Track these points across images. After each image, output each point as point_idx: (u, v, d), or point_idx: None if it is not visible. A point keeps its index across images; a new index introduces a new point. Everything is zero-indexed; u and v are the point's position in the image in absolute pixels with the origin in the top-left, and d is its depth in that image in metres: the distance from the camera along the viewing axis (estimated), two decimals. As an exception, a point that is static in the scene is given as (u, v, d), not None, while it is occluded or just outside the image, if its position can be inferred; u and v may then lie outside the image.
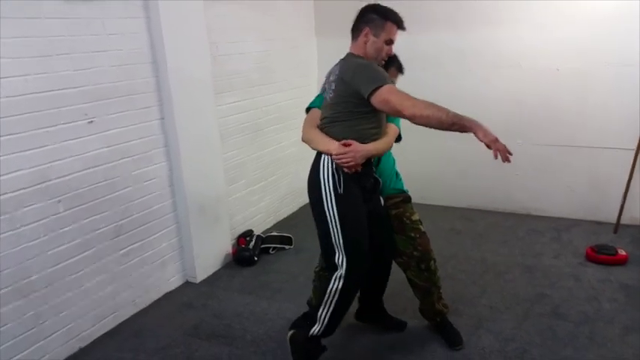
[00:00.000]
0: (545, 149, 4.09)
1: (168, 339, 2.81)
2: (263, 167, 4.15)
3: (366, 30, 2.21)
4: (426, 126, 2.01)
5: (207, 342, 2.77)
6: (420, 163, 4.35)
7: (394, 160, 2.63)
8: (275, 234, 3.94)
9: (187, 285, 3.41)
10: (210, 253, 3.52)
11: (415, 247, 2.49)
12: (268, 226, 4.28)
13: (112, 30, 2.73)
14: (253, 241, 3.78)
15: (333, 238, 2.22)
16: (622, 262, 3.33)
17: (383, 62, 2.30)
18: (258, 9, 3.92)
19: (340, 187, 2.17)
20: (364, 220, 2.24)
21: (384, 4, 2.27)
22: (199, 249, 3.40)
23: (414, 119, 1.99)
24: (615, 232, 3.82)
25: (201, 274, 3.44)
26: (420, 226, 2.52)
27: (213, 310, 3.08)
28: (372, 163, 2.31)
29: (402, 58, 2.52)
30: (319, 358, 2.39)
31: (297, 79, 4.42)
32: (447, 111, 1.96)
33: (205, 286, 3.38)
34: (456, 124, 1.95)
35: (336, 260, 2.23)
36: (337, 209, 2.18)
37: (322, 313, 2.30)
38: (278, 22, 4.18)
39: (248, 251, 3.68)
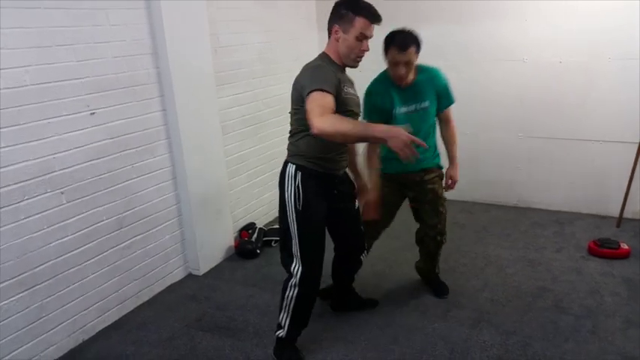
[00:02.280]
0: (547, 142, 4.08)
1: (171, 331, 2.82)
2: (265, 160, 4.14)
3: (336, 27, 2.13)
4: (333, 141, 2.01)
5: (210, 334, 2.78)
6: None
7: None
8: (277, 227, 3.92)
9: (190, 277, 3.42)
10: (212, 246, 3.52)
11: (440, 220, 2.82)
12: (270, 219, 4.28)
13: (114, 21, 2.72)
14: (255, 233, 3.78)
15: (292, 247, 2.29)
16: (624, 255, 3.33)
17: (358, 60, 2.20)
18: (260, 1, 3.90)
19: (299, 203, 2.21)
20: (322, 232, 2.35)
21: None
22: (202, 241, 3.40)
23: (320, 135, 1.87)
24: (618, 225, 3.82)
25: (204, 267, 3.45)
26: (445, 203, 2.85)
27: (216, 303, 3.09)
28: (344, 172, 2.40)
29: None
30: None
31: (298, 71, 4.39)
32: (353, 126, 1.87)
33: (208, 279, 3.39)
34: (364, 137, 1.90)
35: (292, 269, 2.33)
36: (297, 223, 2.24)
37: (283, 318, 2.43)
38: (279, 13, 4.16)
39: (250, 244, 3.68)
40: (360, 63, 2.23)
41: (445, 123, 2.82)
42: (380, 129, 1.84)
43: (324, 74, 2.05)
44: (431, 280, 3.09)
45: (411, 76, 2.58)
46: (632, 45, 3.58)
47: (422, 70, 2.64)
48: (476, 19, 4.04)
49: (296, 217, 2.23)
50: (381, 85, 2.64)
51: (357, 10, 2.08)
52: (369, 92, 2.64)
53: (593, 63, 3.75)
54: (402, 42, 2.43)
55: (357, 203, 2.54)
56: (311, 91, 1.94)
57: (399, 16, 4.26)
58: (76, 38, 2.54)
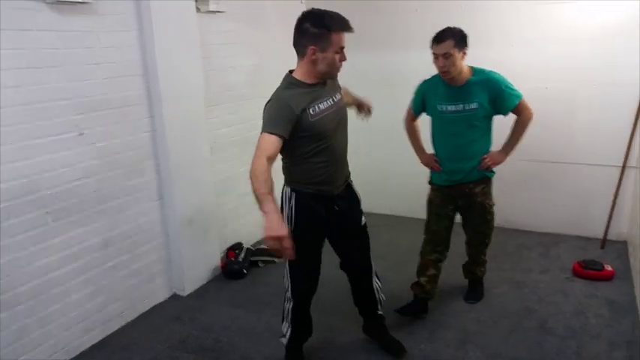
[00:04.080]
0: (533, 165, 4.14)
1: (155, 353, 2.79)
2: (254, 180, 4.15)
3: (311, 49, 2.09)
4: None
5: (194, 356, 2.75)
6: (409, 177, 4.36)
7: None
8: (264, 247, 3.93)
9: (175, 298, 3.39)
10: (198, 266, 3.51)
11: (489, 226, 3.00)
12: (257, 239, 4.27)
13: (105, 43, 2.76)
14: (242, 254, 3.77)
15: (285, 263, 2.41)
16: (608, 277, 3.36)
17: (339, 70, 2.22)
18: (251, 24, 3.97)
19: (291, 224, 2.26)
20: (312, 252, 2.36)
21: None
22: (188, 262, 3.38)
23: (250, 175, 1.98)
24: (602, 247, 3.86)
25: (189, 287, 3.43)
26: (493, 209, 2.97)
27: (201, 324, 3.06)
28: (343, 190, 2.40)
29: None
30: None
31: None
32: (257, 188, 1.94)
33: (193, 300, 3.36)
34: (258, 202, 1.96)
35: (284, 282, 2.45)
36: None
37: (284, 326, 2.55)
38: (270, 36, 4.22)
39: (237, 264, 3.67)
40: None
41: (517, 116, 2.80)
42: (266, 209, 1.90)
43: (274, 112, 2.11)
44: (470, 281, 3.25)
45: (462, 75, 2.63)
46: (616, 71, 3.67)
47: (477, 72, 2.68)
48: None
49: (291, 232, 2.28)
50: (433, 79, 2.79)
51: (330, 25, 2.06)
52: (420, 85, 2.85)
53: (578, 89, 3.84)
54: (439, 35, 2.54)
55: (363, 219, 2.51)
56: (262, 132, 2.08)
57: (381, 41, 4.33)
58: (67, 60, 2.57)
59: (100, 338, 2.90)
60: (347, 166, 2.45)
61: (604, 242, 3.88)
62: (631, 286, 3.25)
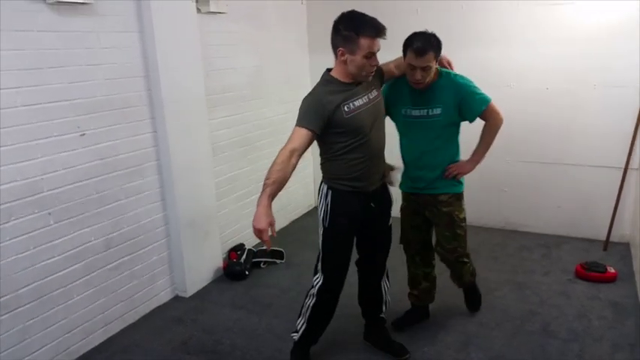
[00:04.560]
0: (534, 167, 4.13)
1: (157, 354, 2.78)
2: (255, 181, 4.14)
3: (341, 50, 2.13)
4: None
5: (195, 357, 2.74)
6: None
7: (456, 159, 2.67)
8: (266, 248, 3.92)
9: (177, 299, 3.39)
10: (200, 267, 3.50)
11: (460, 243, 2.70)
12: (259, 241, 4.26)
13: (106, 44, 2.75)
14: (244, 255, 3.76)
15: (318, 259, 2.44)
16: (611, 279, 3.35)
17: (371, 74, 2.23)
18: (252, 25, 3.96)
19: (326, 221, 2.34)
20: (345, 250, 2.42)
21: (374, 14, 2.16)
22: (190, 263, 3.38)
23: None
24: (605, 249, 3.85)
25: (191, 289, 3.42)
26: (464, 224, 2.70)
27: (202, 325, 3.06)
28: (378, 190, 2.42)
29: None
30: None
31: (288, 94, 4.45)
32: (269, 177, 2.05)
33: (195, 301, 3.36)
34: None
35: (314, 279, 2.46)
36: (322, 238, 2.39)
37: (299, 322, 2.54)
38: (271, 37, 4.22)
39: (239, 265, 3.66)
40: None
41: (485, 122, 2.61)
42: (259, 201, 2.02)
43: (307, 106, 2.18)
44: (465, 290, 3.04)
45: (428, 79, 2.43)
46: (617, 72, 3.67)
47: (443, 75, 2.52)
48: (462, 45, 4.11)
49: (323, 232, 2.37)
50: (399, 81, 2.56)
51: (359, 29, 2.07)
52: (386, 87, 2.57)
53: (579, 90, 3.83)
54: (420, 47, 2.31)
55: (390, 220, 2.55)
56: (295, 125, 2.16)
57: (384, 41, 4.39)
58: (68, 60, 2.56)
59: (102, 340, 2.89)
60: (384, 163, 2.45)
61: (606, 244, 3.87)
62: (634, 288, 3.24)
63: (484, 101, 2.53)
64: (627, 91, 3.66)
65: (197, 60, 3.29)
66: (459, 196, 2.68)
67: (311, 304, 2.46)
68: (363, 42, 2.09)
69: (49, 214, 2.54)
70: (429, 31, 2.39)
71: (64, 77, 2.55)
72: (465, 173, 2.64)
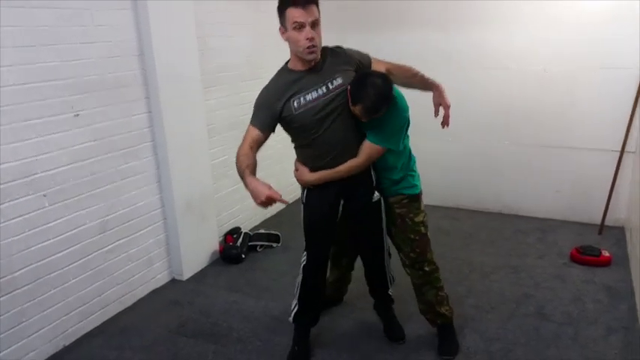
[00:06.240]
0: (531, 150, 4.13)
1: (153, 337, 2.78)
2: (251, 164, 4.12)
3: (281, 29, 2.07)
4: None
5: (193, 340, 2.75)
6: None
7: (404, 163, 2.44)
8: (262, 232, 3.92)
9: (174, 282, 3.38)
10: (197, 250, 3.49)
11: (413, 248, 2.46)
12: (256, 224, 4.26)
13: (100, 21, 2.69)
14: (240, 238, 3.75)
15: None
16: (606, 263, 3.37)
17: (310, 51, 2.03)
18: (248, 3, 3.89)
19: (303, 197, 2.41)
20: (324, 228, 2.42)
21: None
22: (186, 246, 3.36)
23: None
24: (600, 233, 3.87)
25: (187, 272, 3.41)
26: (421, 228, 2.45)
27: (199, 308, 3.06)
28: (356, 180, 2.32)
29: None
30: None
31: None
32: (240, 166, 2.09)
33: (192, 284, 3.35)
34: (242, 179, 2.07)
35: (302, 257, 2.51)
36: (303, 216, 2.44)
37: (292, 302, 2.58)
38: (268, 16, 4.11)
39: (235, 249, 3.65)
40: None
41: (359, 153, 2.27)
42: (247, 180, 2.02)
43: (259, 102, 2.18)
44: (439, 329, 2.63)
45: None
46: (615, 54, 3.65)
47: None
48: (460, 27, 4.07)
49: (303, 210, 2.42)
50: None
51: (283, 3, 2.02)
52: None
53: (577, 72, 3.81)
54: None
55: (375, 196, 2.38)
56: None
57: (382, 22, 4.30)
58: (61, 38, 2.50)
59: (98, 323, 2.89)
60: (355, 151, 2.25)
61: (601, 228, 3.89)
62: (628, 272, 3.27)
63: (377, 138, 2.24)
64: (625, 74, 3.65)
65: (192, 39, 3.23)
66: (413, 199, 2.45)
67: (299, 281, 2.52)
68: (288, 13, 2.00)
69: (44, 195, 2.51)
70: None
71: (56, 56, 2.49)
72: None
